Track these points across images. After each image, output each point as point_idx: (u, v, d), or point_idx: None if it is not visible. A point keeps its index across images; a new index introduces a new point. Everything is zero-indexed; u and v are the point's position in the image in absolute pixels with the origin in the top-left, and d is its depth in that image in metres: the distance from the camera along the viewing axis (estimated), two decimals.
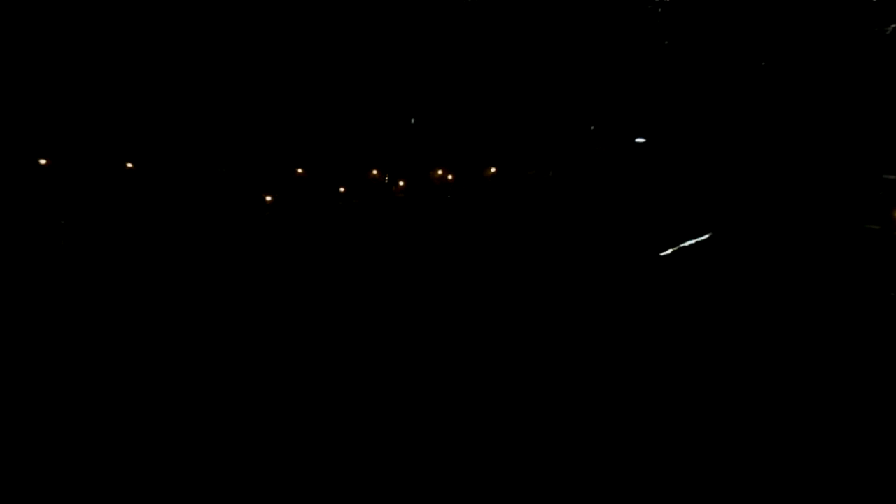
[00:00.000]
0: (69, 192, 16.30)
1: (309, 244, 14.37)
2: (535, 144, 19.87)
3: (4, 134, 17.51)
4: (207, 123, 19.11)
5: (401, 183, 18.38)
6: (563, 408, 8.00)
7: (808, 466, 6.75)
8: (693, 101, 18.59)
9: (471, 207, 16.67)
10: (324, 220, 15.14)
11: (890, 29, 16.31)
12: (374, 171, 18.79)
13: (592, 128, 19.36)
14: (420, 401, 8.29)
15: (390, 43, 19.20)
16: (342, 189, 17.72)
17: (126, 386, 9.00)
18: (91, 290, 12.00)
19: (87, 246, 14.03)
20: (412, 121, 19.62)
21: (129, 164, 17.92)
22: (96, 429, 7.93)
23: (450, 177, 19.10)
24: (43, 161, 17.38)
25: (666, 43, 18.48)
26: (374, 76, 19.48)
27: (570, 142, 19.75)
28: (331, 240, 14.64)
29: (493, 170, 19.69)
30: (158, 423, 8.04)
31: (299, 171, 18.37)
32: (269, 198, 16.30)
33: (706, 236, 13.77)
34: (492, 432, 7.45)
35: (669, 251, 12.47)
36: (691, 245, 13.36)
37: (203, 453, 7.52)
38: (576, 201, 16.88)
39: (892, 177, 16.14)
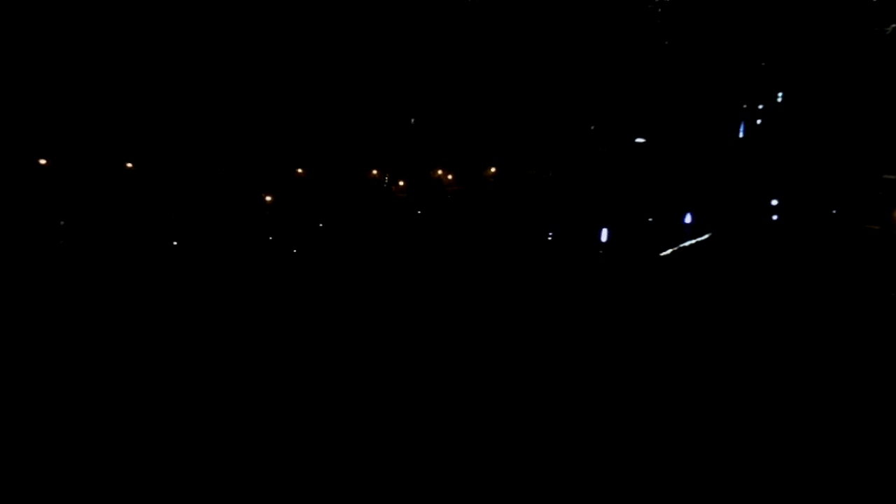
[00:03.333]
0: (69, 192, 16.28)
1: (309, 244, 14.36)
2: (535, 144, 19.85)
3: (4, 134, 17.50)
4: (208, 124, 19.09)
5: (401, 183, 18.35)
6: (562, 406, 8.00)
7: (808, 466, 6.75)
8: (693, 101, 18.58)
9: (471, 207, 16.65)
10: (324, 220, 15.12)
11: (890, 29, 16.30)
12: (374, 171, 18.76)
13: (592, 128, 19.34)
14: (418, 399, 8.30)
15: (390, 43, 19.19)
16: (342, 189, 17.70)
17: (126, 384, 9.00)
18: (91, 290, 12.00)
19: (87, 246, 14.02)
20: (412, 121, 19.60)
21: (129, 164, 17.90)
22: (95, 428, 7.93)
23: (450, 177, 19.08)
24: (43, 161, 17.36)
25: (666, 43, 18.47)
26: (374, 76, 19.47)
27: (570, 142, 19.73)
28: (331, 239, 14.63)
29: (493, 170, 19.67)
30: (158, 422, 8.04)
31: (299, 171, 18.35)
32: (269, 198, 16.28)
33: (706, 236, 13.77)
34: (490, 432, 7.46)
35: (669, 251, 12.47)
36: (691, 245, 13.36)
37: (202, 453, 7.53)
38: (576, 201, 16.86)
39: (892, 177, 16.13)
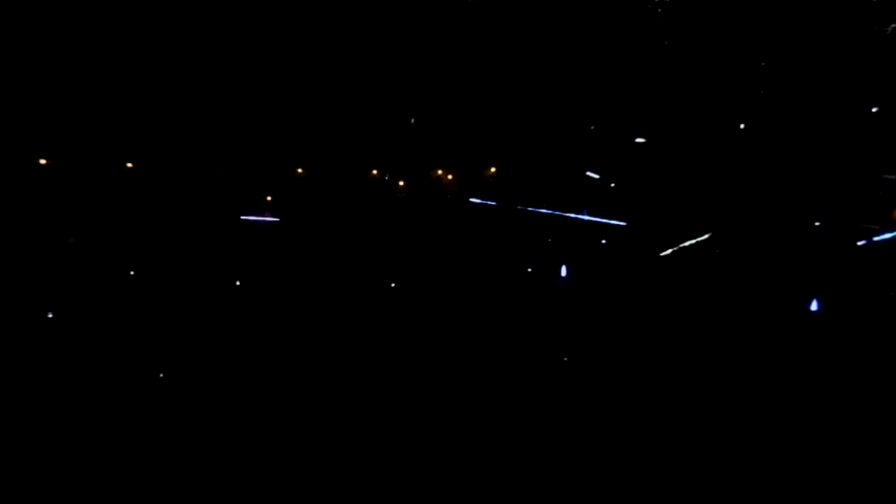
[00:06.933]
0: (69, 192, 16.30)
1: (308, 244, 14.39)
2: (535, 144, 19.86)
3: (4, 134, 17.51)
4: (207, 123, 19.10)
5: (401, 183, 18.39)
6: (561, 409, 8.01)
7: (808, 466, 6.76)
8: (693, 101, 18.60)
9: (472, 207, 16.68)
10: (323, 220, 15.16)
11: (890, 29, 16.32)
12: (374, 171, 18.78)
13: (592, 128, 19.36)
14: (419, 404, 8.30)
15: (390, 43, 19.21)
16: (342, 189, 17.73)
17: (126, 387, 9.01)
18: (91, 290, 12.02)
19: (87, 246, 14.05)
20: (412, 121, 19.61)
21: (129, 164, 17.92)
22: (95, 429, 7.94)
23: (450, 177, 19.10)
24: (43, 161, 17.37)
25: (666, 43, 18.50)
26: (374, 76, 19.48)
27: (570, 142, 19.74)
28: (330, 239, 14.66)
29: (493, 170, 19.69)
30: (157, 425, 8.05)
31: (299, 171, 18.36)
32: (269, 198, 16.32)
33: (706, 236, 13.79)
34: (490, 434, 7.46)
35: (669, 251, 12.50)
36: (691, 245, 13.38)
37: (201, 455, 7.54)
38: (576, 201, 16.89)
39: (892, 177, 16.14)
